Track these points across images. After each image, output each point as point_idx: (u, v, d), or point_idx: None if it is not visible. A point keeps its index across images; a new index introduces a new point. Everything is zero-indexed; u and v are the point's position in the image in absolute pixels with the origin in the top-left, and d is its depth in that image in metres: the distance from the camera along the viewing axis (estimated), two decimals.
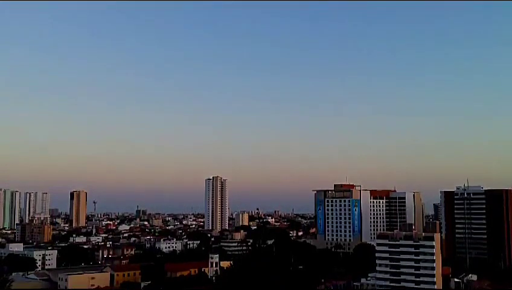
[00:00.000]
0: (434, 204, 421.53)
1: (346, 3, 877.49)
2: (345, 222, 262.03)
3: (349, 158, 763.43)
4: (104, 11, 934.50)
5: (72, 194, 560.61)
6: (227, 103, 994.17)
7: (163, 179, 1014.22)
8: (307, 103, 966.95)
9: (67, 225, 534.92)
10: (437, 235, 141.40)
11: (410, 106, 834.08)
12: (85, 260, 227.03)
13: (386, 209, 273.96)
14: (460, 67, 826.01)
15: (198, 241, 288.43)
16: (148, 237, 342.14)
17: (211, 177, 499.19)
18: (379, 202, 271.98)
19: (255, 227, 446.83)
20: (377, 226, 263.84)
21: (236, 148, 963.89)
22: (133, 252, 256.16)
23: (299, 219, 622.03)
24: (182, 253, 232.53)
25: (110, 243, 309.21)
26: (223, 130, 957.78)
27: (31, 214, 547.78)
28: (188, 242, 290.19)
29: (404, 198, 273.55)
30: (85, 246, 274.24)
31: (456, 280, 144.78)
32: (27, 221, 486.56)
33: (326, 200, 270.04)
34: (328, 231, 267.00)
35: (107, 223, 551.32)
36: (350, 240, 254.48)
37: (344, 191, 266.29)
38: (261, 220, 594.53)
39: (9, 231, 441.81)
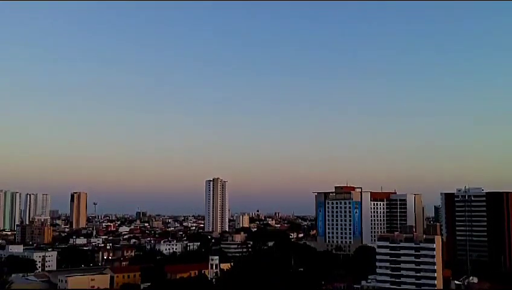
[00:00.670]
0: (435, 206, 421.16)
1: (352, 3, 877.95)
2: (346, 224, 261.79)
3: (350, 160, 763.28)
4: (104, 11, 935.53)
5: (72, 196, 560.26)
6: (228, 104, 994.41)
7: (163, 180, 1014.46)
8: (308, 104, 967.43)
9: (67, 227, 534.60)
10: (438, 238, 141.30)
11: (411, 107, 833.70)
12: (85, 261, 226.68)
13: (386, 212, 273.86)
14: (461, 69, 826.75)
15: (199, 243, 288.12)
16: (148, 239, 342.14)
17: (211, 179, 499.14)
18: (379, 204, 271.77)
19: (255, 229, 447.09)
20: (377, 228, 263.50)
21: (236, 149, 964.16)
22: (133, 254, 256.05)
23: (300, 220, 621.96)
24: (182, 255, 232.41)
25: (110, 244, 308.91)
26: (224, 132, 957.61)
27: (31, 216, 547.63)
28: (188, 244, 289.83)
29: (405, 200, 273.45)
30: (85, 248, 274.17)
31: (456, 282, 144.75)
32: (27, 222, 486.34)
33: (326, 202, 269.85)
34: (328, 233, 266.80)
35: (107, 225, 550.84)
36: (350, 242, 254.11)
37: (344, 193, 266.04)
38: (261, 222, 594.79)
39: (9, 232, 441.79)
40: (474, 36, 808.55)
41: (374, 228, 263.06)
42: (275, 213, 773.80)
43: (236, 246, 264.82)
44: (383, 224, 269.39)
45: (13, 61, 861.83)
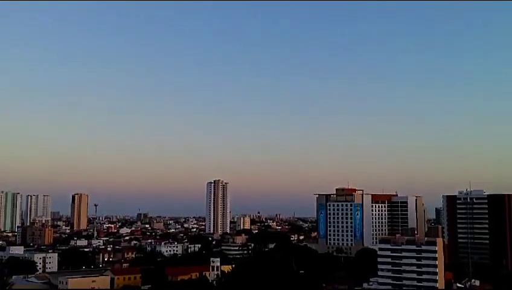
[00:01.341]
0: (436, 208, 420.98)
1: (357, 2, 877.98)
2: (347, 226, 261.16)
3: (351, 162, 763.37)
4: (104, 11, 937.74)
5: (73, 197, 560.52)
6: (228, 105, 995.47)
7: (164, 182, 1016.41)
8: (308, 105, 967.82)
9: (68, 228, 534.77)
10: (439, 240, 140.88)
11: (412, 109, 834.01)
12: (86, 263, 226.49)
13: (388, 214, 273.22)
14: (462, 70, 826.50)
15: (200, 245, 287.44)
16: (149, 241, 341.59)
17: (212, 181, 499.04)
18: (381, 206, 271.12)
19: (256, 231, 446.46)
20: (378, 230, 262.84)
21: (237, 151, 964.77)
22: (133, 256, 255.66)
23: (301, 222, 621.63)
24: (183, 257, 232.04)
25: (111, 246, 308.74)
26: (224, 133, 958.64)
27: (32, 217, 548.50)
28: (189, 246, 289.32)
29: (406, 202, 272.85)
30: (86, 249, 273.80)
31: (458, 284, 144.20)
32: (28, 224, 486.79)
33: (327, 204, 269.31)
34: (329, 235, 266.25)
35: (108, 226, 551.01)
36: (352, 244, 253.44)
37: (346, 195, 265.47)
38: (262, 224, 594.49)
39: (10, 234, 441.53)
40: (474, 36, 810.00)
41: (375, 230, 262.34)
42: (276, 215, 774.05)
43: (237, 248, 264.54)
44: (384, 226, 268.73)
45: (13, 61, 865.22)
